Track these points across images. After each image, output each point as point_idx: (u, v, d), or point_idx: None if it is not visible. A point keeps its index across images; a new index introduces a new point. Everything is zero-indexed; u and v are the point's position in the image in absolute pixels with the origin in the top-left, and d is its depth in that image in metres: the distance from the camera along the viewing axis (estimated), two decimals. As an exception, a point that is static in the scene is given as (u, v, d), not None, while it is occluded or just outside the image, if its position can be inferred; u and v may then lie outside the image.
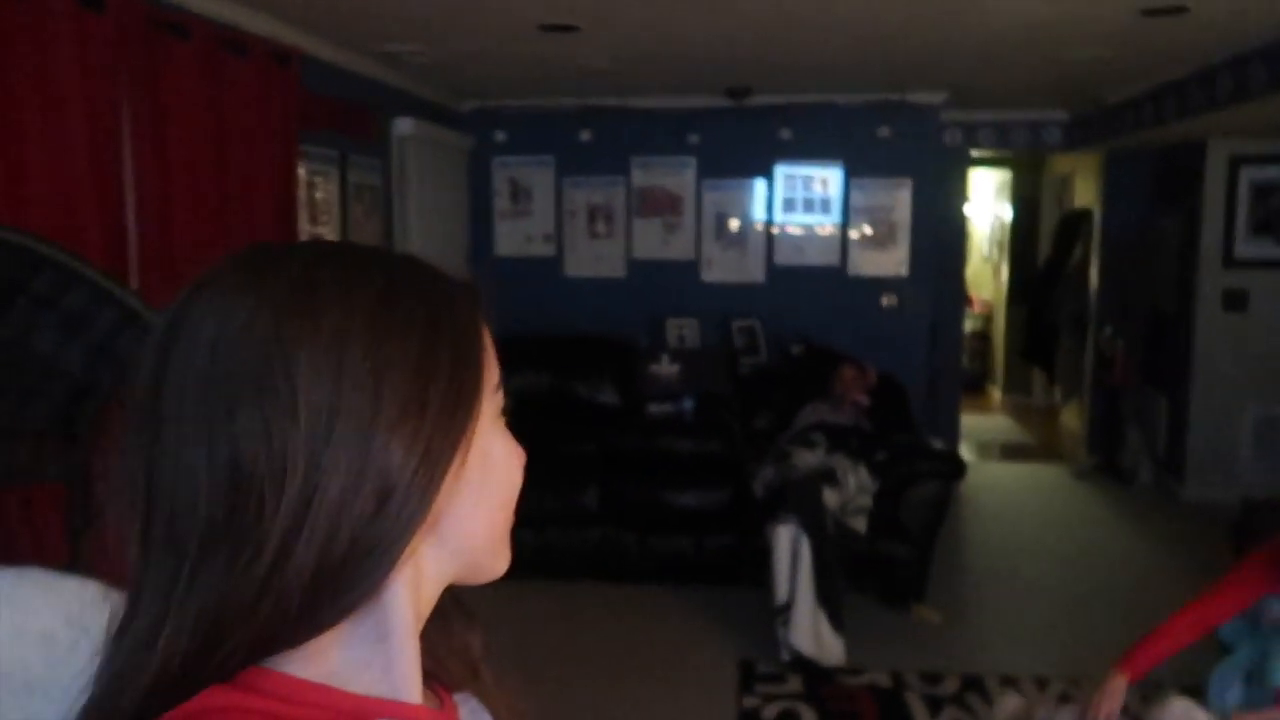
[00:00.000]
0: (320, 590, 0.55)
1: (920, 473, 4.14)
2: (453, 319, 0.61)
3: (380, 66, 4.55)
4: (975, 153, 6.61)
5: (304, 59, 3.78)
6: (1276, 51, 3.82)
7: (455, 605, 0.70)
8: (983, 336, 10.07)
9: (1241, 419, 5.87)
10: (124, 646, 0.58)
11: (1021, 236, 9.03)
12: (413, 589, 0.61)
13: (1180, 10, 3.45)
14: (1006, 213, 9.27)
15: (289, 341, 0.55)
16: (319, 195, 4.20)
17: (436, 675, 0.69)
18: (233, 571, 0.54)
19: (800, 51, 4.33)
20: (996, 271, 9.68)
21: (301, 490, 0.54)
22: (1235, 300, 5.81)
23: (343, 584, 0.56)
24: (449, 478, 0.59)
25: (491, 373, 0.64)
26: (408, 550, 0.58)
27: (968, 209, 7.35)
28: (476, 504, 0.63)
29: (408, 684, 0.61)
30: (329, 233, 4.27)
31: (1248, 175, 5.69)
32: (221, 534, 0.55)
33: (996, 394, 9.63)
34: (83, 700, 0.59)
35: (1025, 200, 8.98)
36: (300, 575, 0.54)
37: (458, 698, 0.71)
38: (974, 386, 9.92)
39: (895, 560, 4.13)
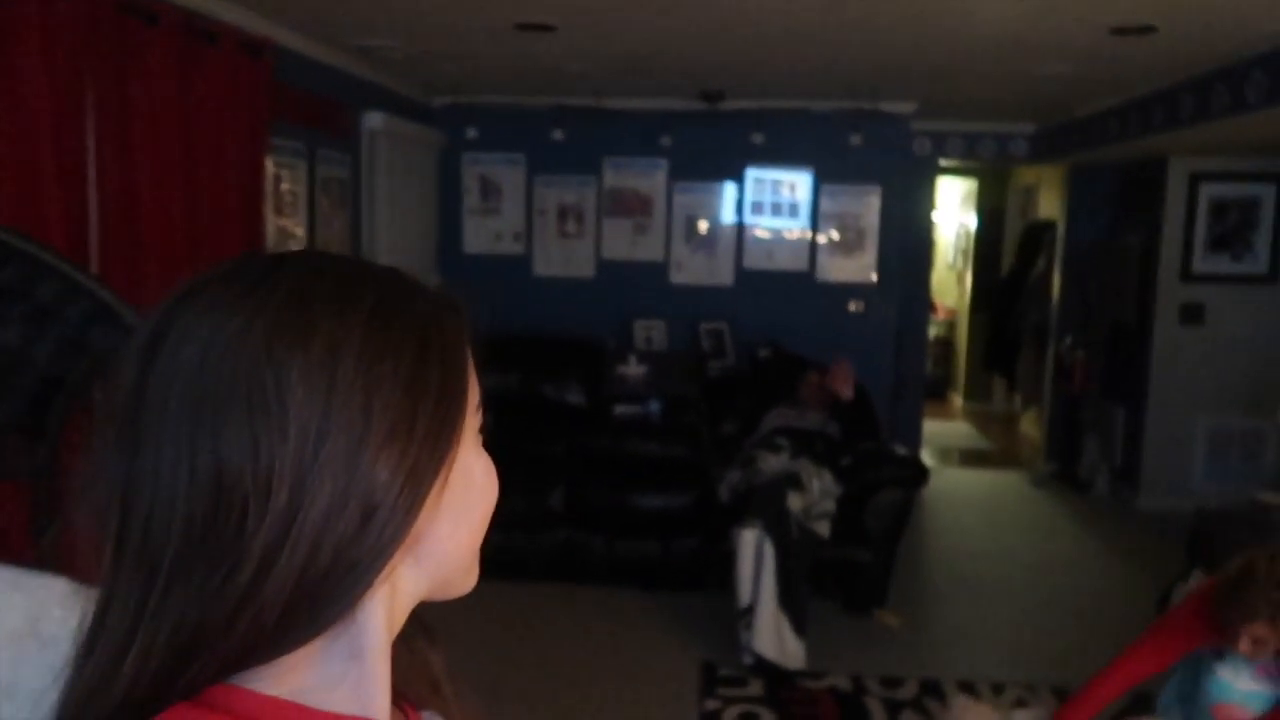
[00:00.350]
0: (297, 607, 0.54)
1: (884, 479, 4.17)
2: (441, 338, 0.61)
3: (353, 60, 4.51)
4: (943, 162, 6.68)
5: (276, 50, 3.73)
6: (1238, 73, 3.90)
7: (416, 622, 0.69)
8: (946, 343, 10.19)
9: (1195, 431, 5.99)
10: (90, 663, 0.56)
11: (986, 246, 9.14)
12: (387, 607, 0.61)
13: (1149, 30, 3.51)
14: (971, 222, 9.39)
15: (281, 357, 0.54)
16: (285, 187, 4.15)
17: (403, 694, 0.69)
18: (208, 587, 0.53)
19: (774, 58, 4.35)
20: (960, 280, 9.80)
21: (287, 507, 0.54)
22: (1192, 314, 5.92)
23: (320, 601, 0.55)
24: (432, 497, 0.59)
25: (474, 392, 0.64)
26: (387, 569, 0.57)
27: (935, 218, 7.43)
28: (456, 523, 0.63)
29: (377, 703, 0.60)
30: (295, 225, 4.22)
31: (1207, 192, 5.80)
32: (199, 548, 0.54)
33: (958, 400, 9.74)
34: (48, 709, 0.58)
35: (990, 210, 9.10)
36: (279, 592, 0.54)
37: (424, 715, 0.71)
38: (936, 393, 10.03)
39: (858, 565, 4.16)
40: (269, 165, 3.84)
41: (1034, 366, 7.33)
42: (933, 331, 10.41)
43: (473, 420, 0.64)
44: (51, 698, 0.58)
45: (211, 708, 0.55)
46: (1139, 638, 2.52)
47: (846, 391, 4.78)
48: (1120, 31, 3.54)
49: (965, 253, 9.62)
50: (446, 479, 0.60)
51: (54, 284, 1.36)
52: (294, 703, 0.57)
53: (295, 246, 4.20)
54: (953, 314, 10.09)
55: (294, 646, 0.56)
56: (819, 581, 4.10)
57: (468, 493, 0.64)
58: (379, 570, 0.57)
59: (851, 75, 4.76)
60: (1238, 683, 2.42)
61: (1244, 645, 2.24)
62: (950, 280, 10.12)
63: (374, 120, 4.78)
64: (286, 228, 4.16)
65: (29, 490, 1.41)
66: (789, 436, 4.63)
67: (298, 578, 0.54)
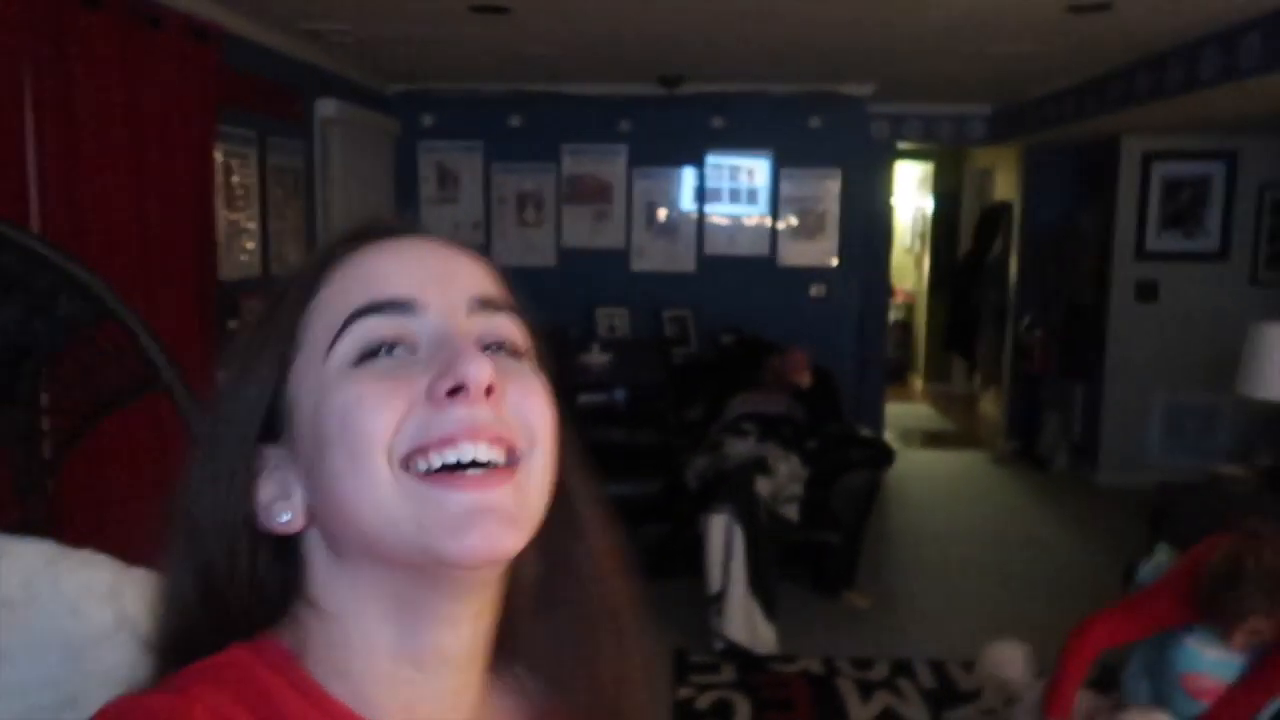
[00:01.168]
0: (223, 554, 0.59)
1: (851, 461, 4.18)
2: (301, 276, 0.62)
3: (304, 45, 4.40)
4: (901, 145, 6.70)
5: (224, 35, 3.62)
6: (1192, 52, 3.94)
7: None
8: (905, 327, 10.26)
9: (1151, 406, 6.08)
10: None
11: (942, 229, 9.21)
12: (355, 592, 0.58)
13: (1104, 7, 3.52)
14: (928, 205, 9.45)
15: None
16: (235, 179, 4.04)
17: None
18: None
19: (733, 38, 4.32)
20: (918, 263, 9.86)
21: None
22: (1146, 291, 6.00)
23: (212, 549, 0.59)
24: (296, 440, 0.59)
25: (332, 313, 0.59)
26: (276, 516, 0.59)
27: (893, 201, 7.46)
28: (334, 468, 0.55)
29: (375, 703, 0.58)
30: (247, 219, 4.12)
31: (1159, 171, 5.88)
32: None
33: (919, 383, 9.82)
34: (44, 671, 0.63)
35: (946, 193, 9.16)
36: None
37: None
38: (896, 375, 10.10)
39: (827, 548, 4.16)
40: (218, 155, 3.73)
41: (993, 347, 7.40)
42: (892, 315, 10.48)
43: (345, 349, 0.57)
44: (47, 659, 0.63)
45: (258, 652, 0.57)
46: (1111, 610, 2.53)
47: (804, 379, 4.80)
48: (1077, 9, 3.55)
49: (923, 236, 9.69)
50: (293, 417, 0.59)
51: (17, 255, 1.32)
52: (306, 672, 0.57)
53: (247, 237, 4.11)
54: (911, 297, 10.16)
55: (249, 605, 0.59)
56: (788, 565, 4.09)
57: (338, 426, 0.55)
58: (233, 518, 0.58)
59: (810, 56, 4.74)
60: (1206, 653, 2.44)
61: (1239, 638, 2.25)
62: (908, 264, 10.19)
63: (327, 108, 4.68)
64: (238, 221, 4.06)
65: (9, 455, 1.39)
66: (755, 421, 4.61)
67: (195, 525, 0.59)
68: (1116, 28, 3.74)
